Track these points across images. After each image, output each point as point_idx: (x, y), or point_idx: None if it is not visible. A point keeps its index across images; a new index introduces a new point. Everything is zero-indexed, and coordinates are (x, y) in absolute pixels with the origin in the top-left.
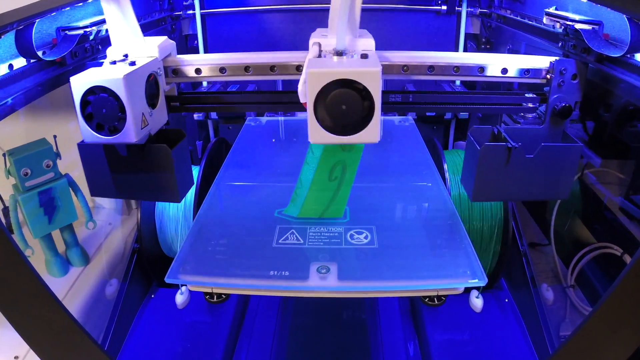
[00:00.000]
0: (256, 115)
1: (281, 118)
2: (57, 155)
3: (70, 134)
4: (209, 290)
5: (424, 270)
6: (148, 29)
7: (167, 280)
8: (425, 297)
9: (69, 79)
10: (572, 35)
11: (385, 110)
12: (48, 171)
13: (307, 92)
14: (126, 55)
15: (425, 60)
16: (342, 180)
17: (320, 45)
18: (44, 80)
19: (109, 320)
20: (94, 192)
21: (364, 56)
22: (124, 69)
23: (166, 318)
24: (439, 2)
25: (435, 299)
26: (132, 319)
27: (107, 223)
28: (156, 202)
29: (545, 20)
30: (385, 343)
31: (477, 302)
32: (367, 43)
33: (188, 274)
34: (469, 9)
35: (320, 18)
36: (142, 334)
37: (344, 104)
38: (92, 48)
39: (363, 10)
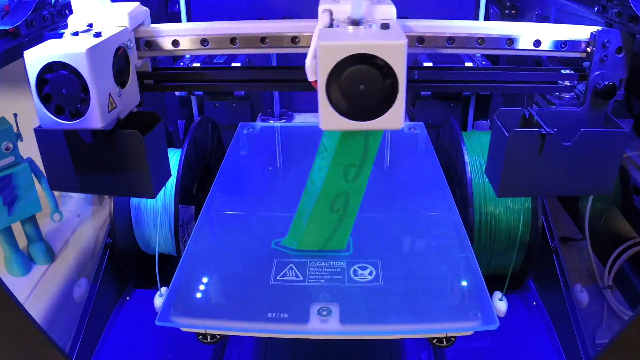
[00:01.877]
0: (245, 93)
1: (277, 124)
2: (18, 136)
3: (34, 111)
4: (202, 332)
5: (432, 313)
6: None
7: (158, 323)
8: (433, 338)
9: (22, 53)
10: (617, 1)
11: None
12: (7, 155)
13: (317, 69)
14: (90, 25)
15: (444, 30)
16: (345, 212)
17: (331, 12)
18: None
19: (77, 326)
20: (54, 186)
21: (385, 26)
22: (88, 41)
23: (144, 323)
24: None
25: (444, 340)
26: (104, 325)
27: (76, 215)
28: None
29: None
30: (394, 352)
31: (500, 305)
32: (388, 10)
33: (180, 316)
34: None
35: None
36: (116, 341)
37: (362, 84)
38: (52, 16)
39: None
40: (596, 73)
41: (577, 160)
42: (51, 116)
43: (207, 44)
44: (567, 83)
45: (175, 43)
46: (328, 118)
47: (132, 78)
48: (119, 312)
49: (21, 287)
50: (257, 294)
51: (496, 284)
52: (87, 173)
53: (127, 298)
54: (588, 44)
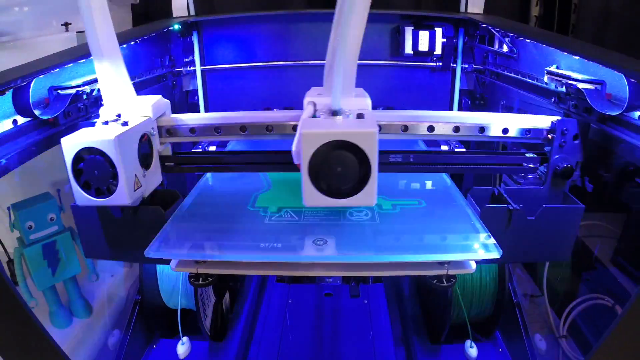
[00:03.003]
0: None
1: None
2: (61, 208)
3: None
4: (194, 271)
5: (432, 245)
6: (150, 85)
7: (146, 254)
8: (434, 277)
9: (59, 140)
10: (574, 95)
11: (382, 170)
12: (52, 224)
13: (301, 154)
14: (119, 115)
15: (425, 119)
16: None
17: (315, 104)
18: (37, 140)
19: None
20: (88, 254)
21: (360, 116)
22: (116, 129)
23: None
24: (434, 59)
25: (444, 279)
26: None
27: (110, 275)
28: None
29: (546, 78)
30: None
31: (472, 351)
32: (363, 102)
33: (170, 248)
34: (463, 66)
35: (319, 74)
36: None
37: (340, 166)
38: (86, 107)
39: (359, 66)
40: (556, 157)
41: (539, 232)
42: (85, 194)
43: (220, 132)
44: (531, 165)
45: (192, 130)
46: (310, 196)
47: (155, 161)
48: (146, 358)
49: (63, 338)
50: (251, 230)
51: (467, 333)
52: (117, 243)
53: (154, 346)
54: (549, 131)
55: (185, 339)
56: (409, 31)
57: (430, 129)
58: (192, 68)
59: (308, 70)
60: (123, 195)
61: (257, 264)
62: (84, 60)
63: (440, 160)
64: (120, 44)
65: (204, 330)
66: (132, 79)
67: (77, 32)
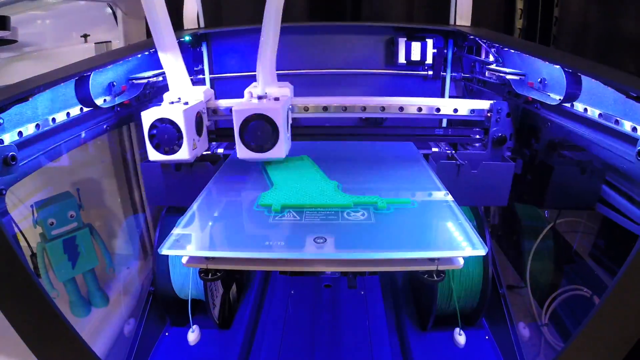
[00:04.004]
0: None
1: None
2: (80, 206)
3: (91, 188)
4: (204, 267)
5: (424, 243)
6: (164, 91)
7: (160, 251)
8: (425, 272)
9: (135, 117)
10: (507, 84)
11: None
12: (72, 221)
13: (234, 123)
14: (179, 99)
15: (399, 103)
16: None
17: (251, 92)
18: (121, 118)
19: (127, 356)
20: (152, 202)
21: (277, 99)
22: (181, 107)
23: (179, 354)
24: (426, 68)
25: (435, 275)
26: (148, 355)
27: (125, 268)
28: None
29: (486, 73)
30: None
31: (460, 338)
32: (283, 91)
33: (182, 246)
34: (452, 74)
35: (317, 81)
36: None
37: (259, 131)
38: (150, 94)
39: (356, 74)
40: (494, 129)
41: (482, 182)
42: (157, 153)
43: None
44: (477, 137)
45: (229, 111)
46: (241, 152)
47: (205, 132)
48: (159, 345)
49: (83, 326)
50: (256, 229)
51: (456, 322)
52: (174, 192)
53: (166, 334)
54: (488, 111)
55: (195, 327)
56: (402, 42)
57: (401, 109)
58: (201, 76)
59: (307, 77)
60: (185, 152)
61: (262, 261)
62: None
63: (414, 133)
64: (137, 53)
65: (213, 319)
66: (148, 85)
67: (95, 43)
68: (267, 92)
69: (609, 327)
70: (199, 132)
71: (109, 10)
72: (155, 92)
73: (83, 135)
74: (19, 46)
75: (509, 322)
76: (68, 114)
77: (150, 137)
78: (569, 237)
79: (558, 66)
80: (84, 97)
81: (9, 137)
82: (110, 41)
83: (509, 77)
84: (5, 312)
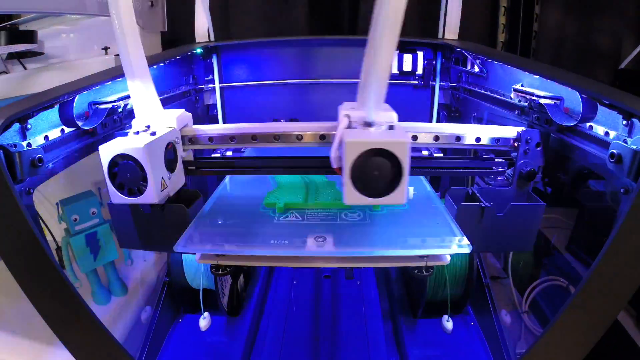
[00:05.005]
0: None
1: None
2: (101, 204)
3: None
4: (215, 262)
5: (415, 242)
6: (176, 100)
7: (175, 249)
8: (415, 268)
9: (97, 148)
10: (537, 109)
11: None
12: (93, 217)
13: (343, 159)
14: (148, 126)
15: (410, 129)
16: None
17: (349, 116)
18: (80, 147)
19: (143, 340)
20: (123, 244)
21: (391, 127)
22: (145, 138)
23: (191, 339)
24: (417, 77)
25: (424, 269)
26: (163, 340)
27: (143, 260)
28: None
29: (512, 95)
30: (373, 356)
31: (447, 324)
32: (391, 116)
33: (195, 245)
34: (441, 84)
35: (319, 91)
36: (171, 352)
37: (377, 170)
38: (120, 120)
39: (353, 83)
40: (521, 162)
41: (507, 226)
42: (119, 194)
43: (235, 140)
44: (500, 169)
45: (210, 139)
46: (351, 195)
47: (179, 165)
48: (173, 330)
49: (103, 313)
50: (262, 229)
51: (444, 309)
52: (146, 235)
53: (180, 321)
54: (515, 140)
55: (206, 314)
56: (395, 54)
57: (414, 138)
58: (211, 86)
59: (309, 87)
60: (151, 195)
61: (267, 258)
62: (119, 79)
63: (422, 164)
64: (152, 64)
65: (222, 307)
66: (161, 94)
67: (115, 55)
68: (375, 118)
69: (584, 314)
70: (170, 167)
71: None
72: (126, 117)
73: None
74: (45, 58)
75: (492, 309)
76: (90, 120)
77: (111, 176)
78: (547, 232)
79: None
80: (66, 119)
81: (36, 141)
82: None
83: (543, 101)
84: (33, 300)
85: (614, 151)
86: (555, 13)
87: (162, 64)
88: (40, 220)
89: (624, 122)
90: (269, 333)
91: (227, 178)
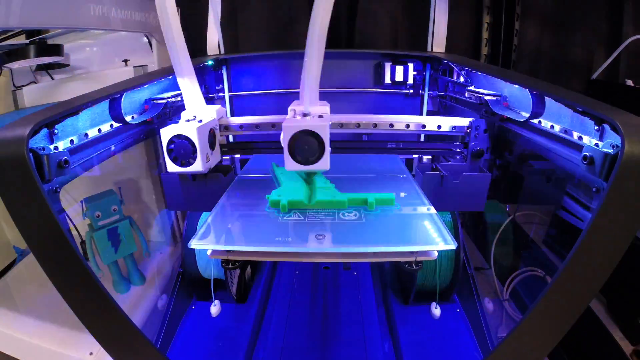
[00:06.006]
0: None
1: None
2: (121, 202)
3: (130, 186)
4: (225, 258)
5: (405, 239)
6: (183, 109)
7: (189, 246)
8: (406, 263)
9: (156, 133)
10: (484, 104)
11: (356, 151)
12: (114, 214)
13: (283, 138)
14: (195, 116)
15: (371, 119)
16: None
17: (294, 110)
18: (136, 134)
19: (160, 325)
20: (170, 207)
21: (321, 116)
22: (196, 124)
23: (203, 324)
24: (408, 87)
25: (414, 264)
26: (177, 325)
27: (159, 252)
28: None
29: (466, 94)
30: (368, 341)
31: (436, 311)
32: (324, 109)
33: (208, 241)
34: (429, 92)
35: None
36: (185, 335)
37: (307, 145)
38: (170, 112)
39: (350, 92)
40: (472, 144)
41: (461, 191)
42: (173, 165)
43: (259, 127)
44: (457, 150)
45: (240, 127)
46: (289, 164)
47: (217, 146)
48: (187, 316)
49: (123, 301)
50: (268, 227)
51: (433, 297)
52: (190, 198)
53: (192, 307)
54: (468, 127)
55: (216, 301)
56: (388, 66)
57: (391, 125)
58: (222, 94)
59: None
60: (199, 165)
61: (272, 253)
62: (153, 83)
63: (400, 146)
64: (170, 74)
65: (231, 295)
66: (176, 102)
67: (134, 67)
68: (310, 110)
69: (559, 302)
70: (211, 146)
71: (145, 39)
72: (174, 111)
73: (113, 148)
74: (71, 69)
75: (476, 297)
76: (111, 125)
77: (169, 151)
78: (526, 227)
79: (527, 90)
80: (115, 115)
81: (63, 145)
82: (146, 65)
83: (486, 97)
84: (59, 289)
85: (587, 154)
86: (534, 29)
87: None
88: (66, 217)
89: (596, 127)
90: (273, 318)
91: (236, 179)
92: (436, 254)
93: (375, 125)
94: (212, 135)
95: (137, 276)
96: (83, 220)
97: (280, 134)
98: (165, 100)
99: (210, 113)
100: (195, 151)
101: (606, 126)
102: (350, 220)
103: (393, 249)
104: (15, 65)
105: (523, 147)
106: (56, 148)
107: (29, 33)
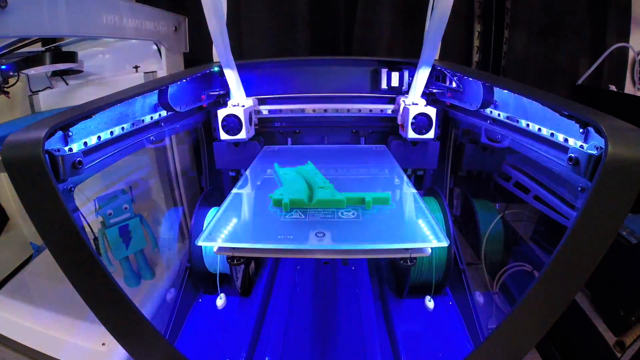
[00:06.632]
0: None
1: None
2: (132, 200)
3: (141, 186)
4: (231, 254)
5: (400, 237)
6: (195, 113)
7: (196, 243)
8: (401, 259)
9: (212, 114)
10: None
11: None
12: (126, 212)
13: (407, 117)
14: (238, 103)
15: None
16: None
17: (404, 101)
18: (202, 115)
19: (168, 317)
20: (220, 165)
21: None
22: (241, 108)
23: (209, 316)
24: (403, 92)
25: (409, 260)
26: (185, 317)
27: (167, 248)
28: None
29: (434, 90)
30: (365, 332)
31: (429, 304)
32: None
33: (215, 239)
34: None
35: (319, 103)
36: (192, 327)
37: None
38: (220, 100)
39: (351, 97)
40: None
41: (420, 153)
42: (226, 135)
43: (281, 112)
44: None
45: (268, 112)
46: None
47: (254, 122)
48: (194, 309)
49: (134, 294)
50: (271, 226)
51: (427, 291)
52: (234, 159)
53: (199, 300)
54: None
55: (222, 295)
56: (384, 72)
57: (359, 110)
58: (227, 98)
59: (311, 99)
60: (244, 135)
61: (275, 250)
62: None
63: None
64: (178, 80)
65: (236, 289)
66: (185, 105)
67: (144, 73)
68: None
69: (546, 295)
70: (250, 123)
71: (155, 47)
72: (224, 100)
73: (124, 149)
74: (85, 75)
75: (468, 291)
76: (123, 128)
77: (223, 126)
78: (515, 224)
79: (479, 81)
80: (164, 103)
81: (77, 146)
82: (155, 71)
83: (434, 90)
84: (73, 283)
85: (572, 155)
86: (522, 37)
87: (184, 80)
88: (80, 214)
89: (581, 130)
90: (276, 311)
91: (241, 180)
92: (430, 250)
93: (348, 110)
94: (250, 116)
95: (147, 271)
96: (96, 218)
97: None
98: (217, 93)
99: (249, 102)
100: (241, 126)
101: (591, 129)
102: (349, 218)
103: (389, 246)
104: (32, 71)
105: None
106: (70, 150)
107: (45, 41)
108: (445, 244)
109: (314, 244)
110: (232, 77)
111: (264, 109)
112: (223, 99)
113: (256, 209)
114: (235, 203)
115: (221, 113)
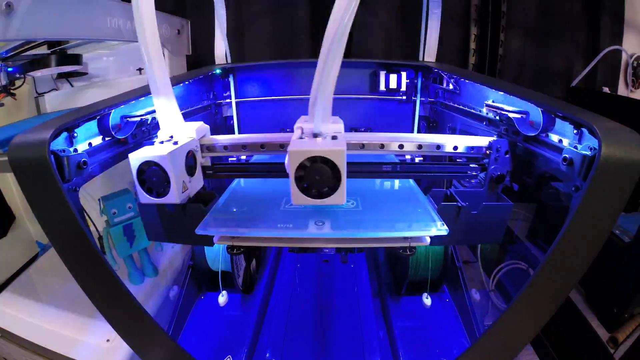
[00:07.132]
0: None
1: None
2: (136, 199)
3: None
4: (230, 243)
5: (399, 226)
6: (199, 112)
7: (197, 232)
8: (400, 248)
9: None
10: (505, 121)
11: (363, 176)
12: (129, 211)
13: (289, 166)
14: (171, 137)
15: (397, 139)
16: None
17: (302, 129)
18: (114, 154)
19: (171, 314)
20: (150, 238)
21: (334, 137)
22: (169, 147)
23: (211, 313)
24: (401, 94)
25: (408, 249)
26: (187, 314)
27: (171, 247)
28: None
29: (484, 109)
30: (364, 328)
31: (427, 301)
32: (338, 127)
33: (214, 228)
34: (421, 99)
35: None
36: (195, 324)
37: (318, 175)
38: (148, 131)
39: (349, 98)
40: (492, 167)
41: (480, 222)
42: (146, 195)
43: (246, 148)
44: (473, 173)
45: (225, 148)
46: (297, 197)
47: (198, 170)
48: (196, 306)
49: (138, 292)
50: (270, 215)
51: (424, 288)
52: (170, 230)
53: (202, 298)
54: (487, 148)
55: (224, 292)
56: (382, 74)
57: (401, 146)
58: (228, 100)
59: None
60: (174, 196)
61: (274, 239)
62: (143, 98)
63: (406, 169)
64: (179, 82)
65: (238, 286)
66: (186, 107)
67: None
68: (322, 130)
69: (541, 292)
70: (190, 171)
71: None
72: (154, 128)
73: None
74: (89, 77)
75: (464, 288)
76: None
77: (140, 179)
78: (511, 223)
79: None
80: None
81: (81, 147)
82: None
83: (512, 115)
84: (78, 281)
85: (566, 156)
86: (517, 40)
87: (187, 82)
88: (85, 214)
89: (575, 131)
90: (277, 308)
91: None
92: (429, 239)
93: (401, 147)
94: (190, 159)
95: (150, 269)
96: (100, 217)
97: (277, 153)
98: (138, 118)
99: (189, 132)
100: (168, 180)
101: (584, 130)
102: (348, 208)
103: (388, 234)
104: (38, 73)
105: (538, 165)
106: (75, 150)
107: (50, 44)
108: (444, 232)
109: (313, 232)
110: (159, 93)
111: (222, 141)
112: (218, 108)
113: (256, 199)
114: (234, 195)
115: (134, 159)
